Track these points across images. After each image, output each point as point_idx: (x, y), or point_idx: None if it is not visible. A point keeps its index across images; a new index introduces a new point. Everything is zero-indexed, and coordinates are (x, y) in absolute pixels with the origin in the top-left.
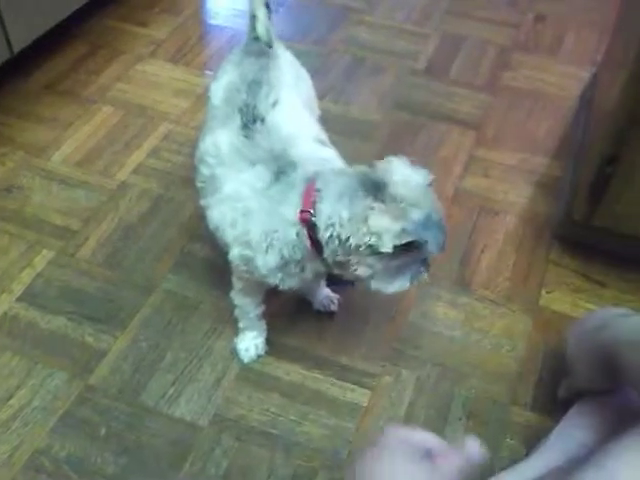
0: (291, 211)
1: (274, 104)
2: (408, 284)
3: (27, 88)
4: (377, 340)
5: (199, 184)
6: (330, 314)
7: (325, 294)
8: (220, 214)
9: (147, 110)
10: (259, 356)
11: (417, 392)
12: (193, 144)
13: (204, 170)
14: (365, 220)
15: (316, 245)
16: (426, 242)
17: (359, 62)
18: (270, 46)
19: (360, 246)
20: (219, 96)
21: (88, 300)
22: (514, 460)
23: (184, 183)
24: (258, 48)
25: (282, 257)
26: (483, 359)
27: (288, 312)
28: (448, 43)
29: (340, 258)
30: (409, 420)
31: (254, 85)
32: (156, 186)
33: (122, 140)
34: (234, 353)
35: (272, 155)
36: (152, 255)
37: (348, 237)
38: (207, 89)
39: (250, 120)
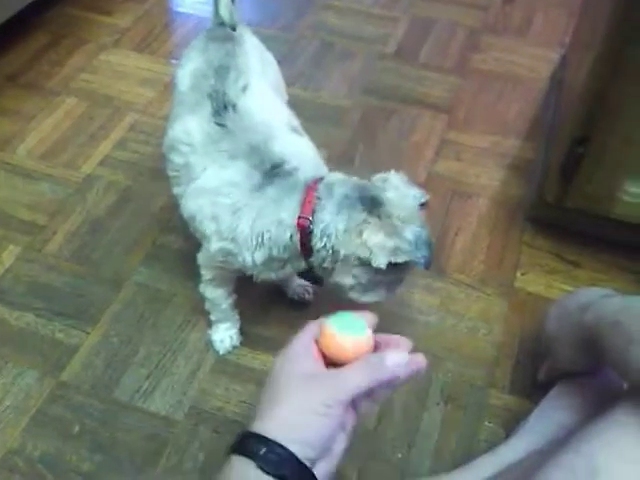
0: (289, 215)
1: (244, 89)
2: (383, 297)
3: None
4: None
5: (171, 172)
6: (304, 303)
7: (299, 283)
8: (197, 206)
9: (113, 100)
10: (234, 347)
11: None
12: (161, 134)
13: (176, 158)
14: (360, 234)
15: (306, 250)
16: (416, 261)
17: (328, 47)
18: (234, 29)
19: (350, 257)
20: (186, 83)
21: (57, 296)
22: (493, 444)
23: (153, 174)
24: (223, 33)
25: (270, 255)
26: (459, 343)
27: (262, 302)
28: (417, 26)
29: (327, 265)
30: (386, 407)
31: (222, 70)
32: (124, 178)
33: (87, 132)
34: (209, 345)
35: (251, 148)
36: (122, 248)
37: (340, 248)
38: (173, 76)
39: (221, 106)
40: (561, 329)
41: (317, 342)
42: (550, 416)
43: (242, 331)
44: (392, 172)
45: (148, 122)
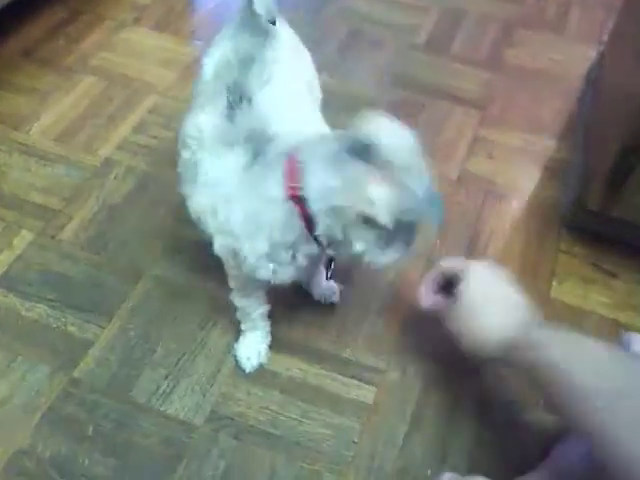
0: (275, 189)
1: (265, 83)
2: (403, 253)
3: (2, 55)
4: (381, 332)
5: (179, 169)
6: (331, 305)
7: (326, 285)
8: (200, 203)
9: (132, 81)
10: (261, 365)
11: (426, 389)
12: (181, 118)
13: (185, 154)
14: (362, 187)
15: (308, 223)
16: (428, 217)
17: (356, 34)
18: (273, 23)
19: (354, 216)
20: (209, 72)
21: (71, 286)
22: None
23: (173, 161)
24: (255, 22)
25: (271, 241)
26: None
27: (287, 304)
28: (448, 17)
29: (335, 232)
30: (418, 419)
31: (246, 62)
32: (143, 163)
33: (105, 113)
34: (230, 347)
35: (250, 135)
36: (140, 238)
37: (343, 206)
38: (199, 63)
39: (236, 99)
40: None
41: None
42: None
43: (270, 334)
44: (378, 114)
45: (169, 105)
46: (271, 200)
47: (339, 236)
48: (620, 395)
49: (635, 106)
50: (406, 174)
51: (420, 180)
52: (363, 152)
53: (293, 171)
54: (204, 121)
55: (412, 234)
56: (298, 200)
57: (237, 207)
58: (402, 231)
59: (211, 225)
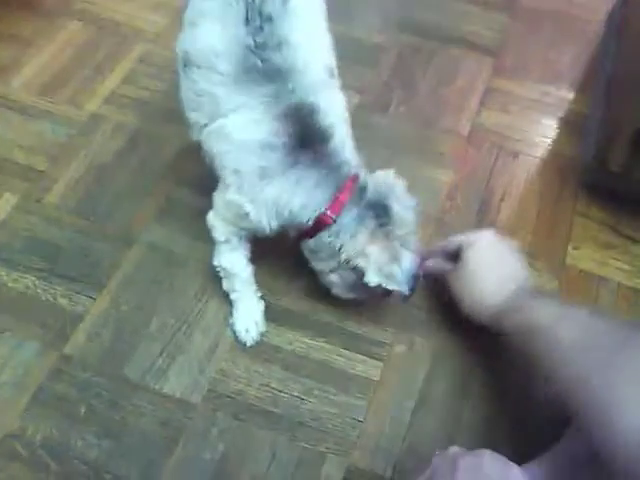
0: (317, 204)
1: (284, 2)
2: (364, 298)
3: None
4: (386, 304)
5: (188, 92)
6: None
7: None
8: (221, 150)
9: (120, 27)
10: (262, 334)
11: (434, 363)
12: (175, 68)
13: (200, 80)
14: (365, 244)
15: (312, 235)
16: (401, 291)
17: None
18: None
19: (347, 260)
20: None
21: (59, 254)
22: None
23: (166, 115)
24: None
25: (280, 226)
26: None
27: (287, 273)
28: None
29: (322, 255)
30: (426, 396)
31: None
32: (133, 118)
33: (92, 62)
34: (234, 335)
35: (290, 106)
36: (131, 201)
37: (342, 249)
38: None
39: (255, 15)
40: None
41: None
42: None
43: (266, 305)
44: (391, 173)
45: (160, 54)
46: (305, 207)
47: (323, 265)
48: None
49: None
50: (403, 250)
51: (410, 261)
52: (382, 213)
53: (340, 204)
54: (222, 44)
55: (380, 295)
56: (322, 223)
57: (272, 189)
58: (374, 289)
59: (229, 177)
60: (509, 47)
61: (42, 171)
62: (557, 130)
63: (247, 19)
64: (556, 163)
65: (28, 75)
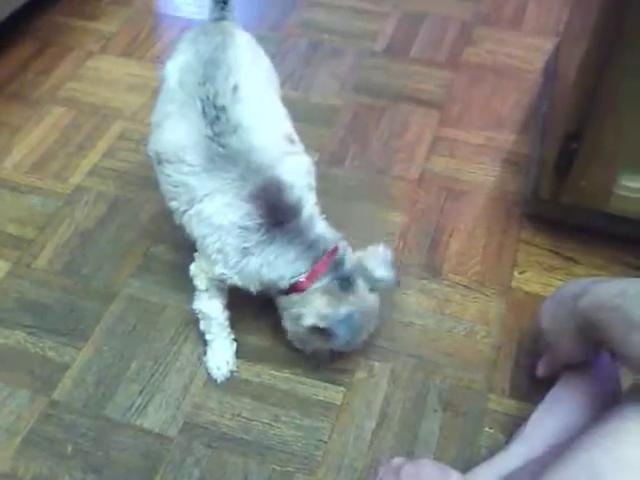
0: (294, 274)
1: (234, 89)
2: (309, 351)
3: None
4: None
5: (166, 185)
6: None
7: None
8: (202, 233)
9: (100, 109)
10: (232, 372)
11: (392, 386)
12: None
13: (173, 174)
14: (325, 309)
15: (285, 293)
16: (335, 335)
17: (316, 46)
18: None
19: (308, 326)
20: (175, 77)
21: (47, 312)
22: (494, 450)
23: (143, 183)
24: (214, 27)
25: (264, 288)
26: (458, 347)
27: (254, 312)
28: (408, 21)
29: (287, 307)
30: (385, 416)
31: (211, 65)
32: (113, 188)
33: (75, 142)
34: (201, 359)
35: (258, 187)
36: (112, 260)
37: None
38: (162, 68)
39: (211, 109)
40: (557, 320)
41: None
42: (547, 421)
43: (235, 341)
44: (381, 248)
45: (137, 129)
46: (283, 278)
47: (288, 317)
48: None
49: (577, 94)
50: (349, 301)
51: (350, 311)
52: (347, 285)
53: (315, 275)
54: (187, 140)
55: (325, 351)
56: (294, 289)
57: (254, 263)
58: (318, 342)
59: (214, 256)
60: (454, 99)
61: (31, 239)
62: (501, 170)
63: (204, 113)
64: (501, 199)
65: (18, 157)
